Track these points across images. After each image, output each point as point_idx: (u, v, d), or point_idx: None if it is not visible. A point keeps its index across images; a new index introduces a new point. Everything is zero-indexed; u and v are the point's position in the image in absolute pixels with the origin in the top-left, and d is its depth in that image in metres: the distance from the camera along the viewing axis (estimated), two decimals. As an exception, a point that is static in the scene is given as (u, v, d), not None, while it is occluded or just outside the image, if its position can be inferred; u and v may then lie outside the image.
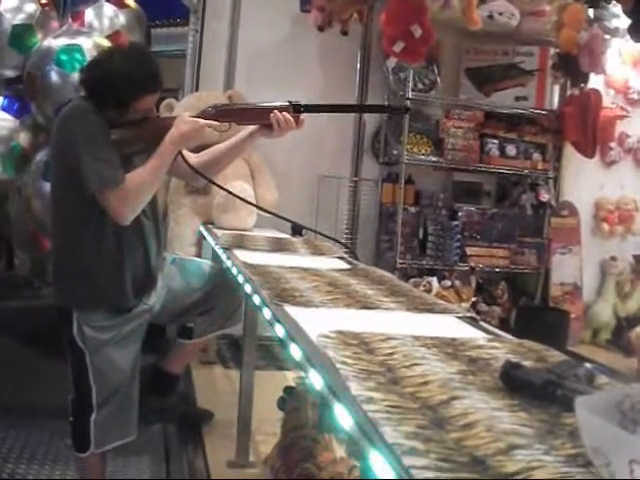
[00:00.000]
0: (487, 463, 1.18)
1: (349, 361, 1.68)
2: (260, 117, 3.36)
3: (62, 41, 6.13)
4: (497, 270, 7.08)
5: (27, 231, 6.52)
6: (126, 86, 3.23)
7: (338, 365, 1.64)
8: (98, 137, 3.20)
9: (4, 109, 6.68)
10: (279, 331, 2.06)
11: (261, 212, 4.84)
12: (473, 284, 6.86)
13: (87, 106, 3.29)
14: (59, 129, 3.32)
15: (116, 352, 3.39)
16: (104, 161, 3.17)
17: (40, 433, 4.74)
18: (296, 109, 3.33)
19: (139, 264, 3.44)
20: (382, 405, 1.40)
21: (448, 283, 6.70)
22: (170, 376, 4.03)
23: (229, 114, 3.44)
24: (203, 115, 3.38)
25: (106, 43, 6.11)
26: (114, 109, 3.26)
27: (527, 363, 1.71)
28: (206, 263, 4.09)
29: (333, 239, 4.07)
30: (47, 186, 6.05)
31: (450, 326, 2.29)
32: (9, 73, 6.50)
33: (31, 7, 6.37)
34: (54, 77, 5.98)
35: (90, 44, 6.05)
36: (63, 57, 5.99)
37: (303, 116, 3.33)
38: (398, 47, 5.79)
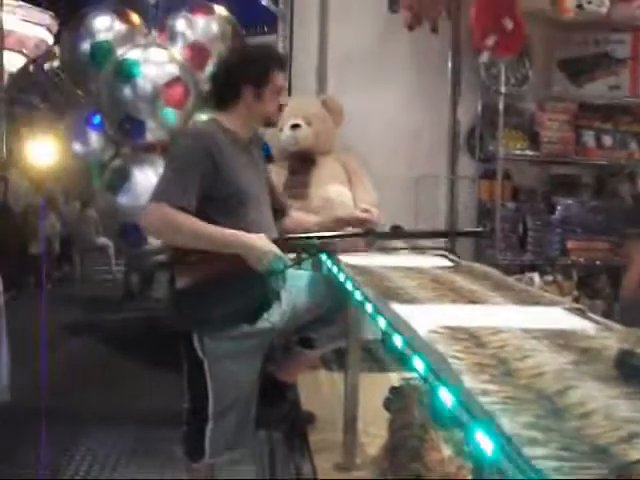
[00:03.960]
0: (609, 451, 1.16)
1: (460, 355, 1.67)
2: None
3: (133, 54, 7.20)
4: (598, 263, 6.95)
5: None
6: (264, 59, 3.42)
7: (450, 359, 1.64)
8: (187, 161, 3.24)
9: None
10: (387, 328, 2.06)
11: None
12: (575, 278, 6.76)
13: (204, 131, 3.37)
14: (172, 141, 3.47)
15: (236, 364, 3.34)
16: (172, 181, 3.22)
17: (147, 441, 4.81)
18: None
19: (260, 281, 3.41)
20: (498, 397, 1.39)
21: (550, 278, 6.61)
22: (285, 385, 3.93)
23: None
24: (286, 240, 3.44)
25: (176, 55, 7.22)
26: (255, 83, 3.34)
27: (640, 352, 1.68)
28: (326, 276, 4.00)
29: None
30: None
31: (558, 318, 2.27)
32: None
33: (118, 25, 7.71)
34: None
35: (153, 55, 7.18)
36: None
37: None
38: (491, 41, 5.77)
